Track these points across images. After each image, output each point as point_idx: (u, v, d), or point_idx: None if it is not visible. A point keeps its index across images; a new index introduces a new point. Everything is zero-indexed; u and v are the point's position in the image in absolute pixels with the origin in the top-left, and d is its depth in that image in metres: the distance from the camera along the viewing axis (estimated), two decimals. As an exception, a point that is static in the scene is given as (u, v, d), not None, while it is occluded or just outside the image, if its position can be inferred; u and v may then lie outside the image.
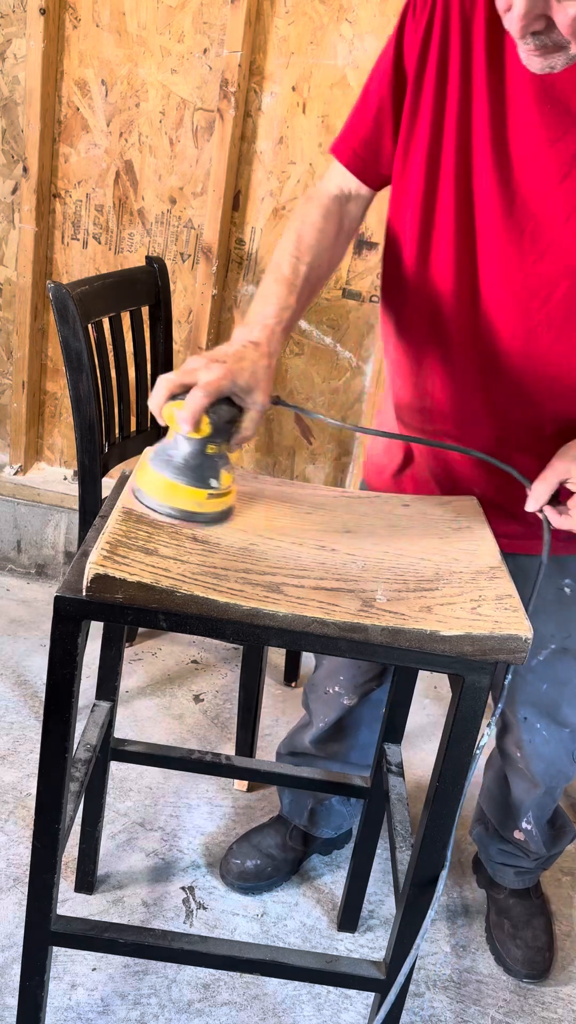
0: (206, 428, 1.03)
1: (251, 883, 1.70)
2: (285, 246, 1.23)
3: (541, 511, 1.15)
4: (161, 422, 1.05)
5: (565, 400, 1.22)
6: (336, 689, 1.59)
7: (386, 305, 1.33)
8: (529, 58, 1.04)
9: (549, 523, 1.14)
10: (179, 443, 1.05)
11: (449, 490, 1.34)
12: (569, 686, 1.46)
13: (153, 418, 2.08)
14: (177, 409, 1.01)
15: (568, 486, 1.13)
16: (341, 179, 1.29)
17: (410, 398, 1.32)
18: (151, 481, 1.06)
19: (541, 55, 1.03)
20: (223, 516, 1.09)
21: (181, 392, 1.02)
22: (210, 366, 1.02)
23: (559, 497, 1.15)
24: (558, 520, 1.13)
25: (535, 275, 1.17)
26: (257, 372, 1.05)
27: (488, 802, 1.67)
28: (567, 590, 1.38)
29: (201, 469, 1.05)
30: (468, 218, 1.18)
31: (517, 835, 1.62)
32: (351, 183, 1.29)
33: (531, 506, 1.14)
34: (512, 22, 1.01)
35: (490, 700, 1.35)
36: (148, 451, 1.09)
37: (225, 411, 1.04)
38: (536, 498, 1.14)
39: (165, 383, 1.03)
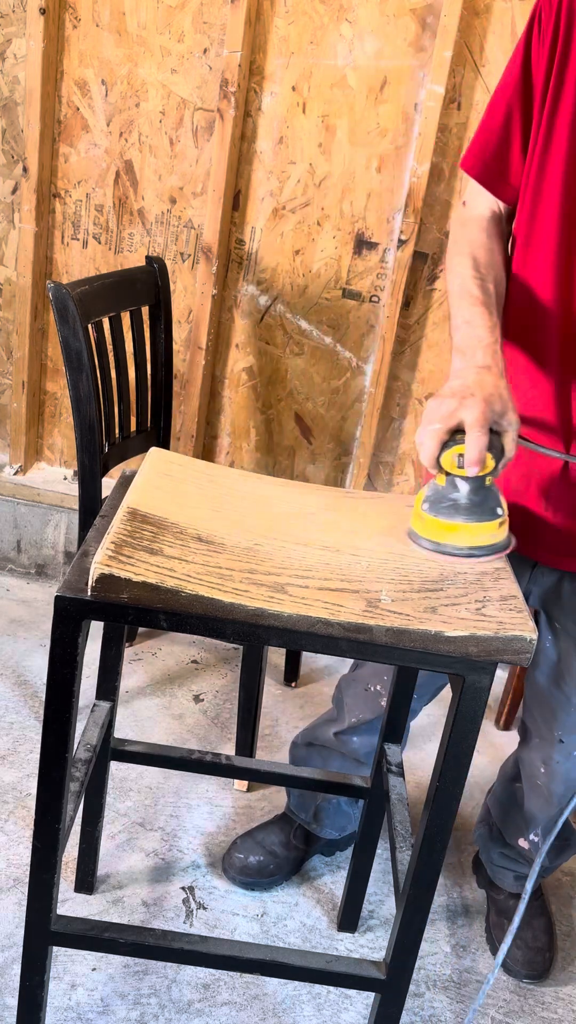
0: (491, 463, 1.06)
1: (252, 879, 1.70)
2: (463, 271, 1.24)
3: None
4: (434, 472, 1.08)
5: None
6: (378, 688, 1.60)
7: (514, 327, 1.32)
8: None
9: None
10: (459, 485, 1.07)
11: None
12: None
13: (153, 418, 2.08)
14: (457, 455, 1.05)
15: None
16: (485, 199, 1.31)
17: (553, 419, 1.31)
18: (440, 529, 1.08)
19: None
20: (511, 539, 1.12)
21: (449, 439, 1.05)
22: (466, 403, 1.04)
23: None
24: None
25: None
26: (503, 394, 1.07)
27: (497, 808, 1.67)
28: None
29: (487, 502, 1.08)
30: None
31: (522, 843, 1.61)
32: (494, 201, 1.30)
33: None
34: None
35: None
36: (418, 502, 1.12)
37: (496, 441, 1.06)
38: None
39: (433, 435, 1.05)
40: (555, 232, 1.21)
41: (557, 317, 1.25)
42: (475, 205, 1.32)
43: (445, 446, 1.05)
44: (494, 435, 1.06)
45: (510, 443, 1.08)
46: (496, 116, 1.26)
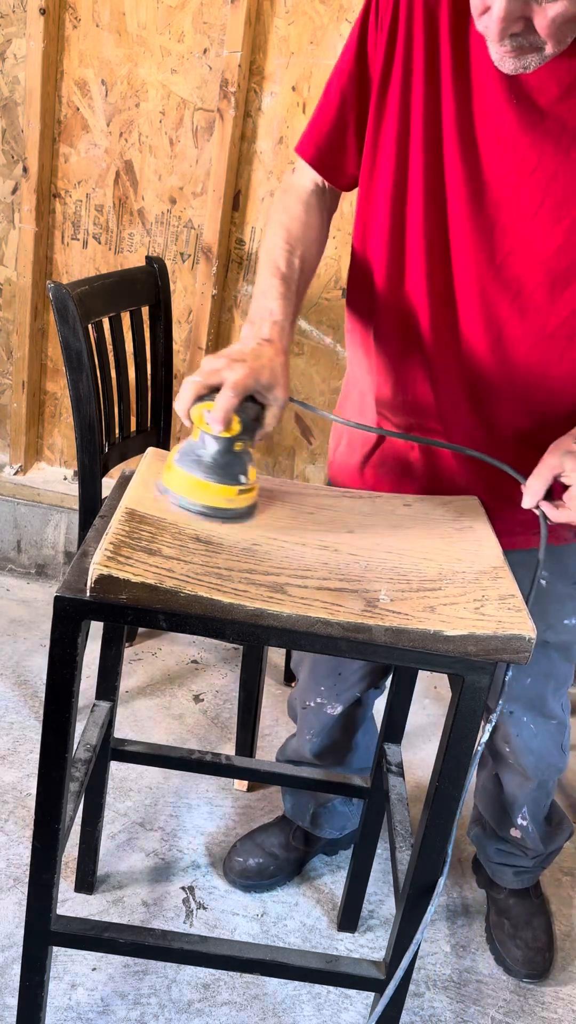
0: (236, 427, 1.06)
1: (253, 881, 1.70)
2: (274, 240, 1.24)
3: (538, 507, 1.15)
4: (187, 423, 1.08)
5: (546, 393, 1.23)
6: (318, 700, 1.59)
7: (356, 305, 1.33)
8: (503, 59, 1.05)
9: (546, 518, 1.14)
10: (207, 442, 1.07)
11: (427, 485, 1.34)
12: (552, 678, 1.47)
13: (153, 418, 2.08)
14: (206, 410, 1.05)
15: (562, 480, 1.13)
16: (313, 173, 1.30)
17: (392, 395, 1.32)
18: (181, 480, 1.09)
19: (516, 56, 1.03)
20: (251, 511, 1.12)
21: (207, 393, 1.05)
22: (233, 366, 1.05)
23: (552, 493, 1.16)
24: (556, 514, 1.13)
25: (506, 269, 1.17)
26: (276, 369, 1.08)
27: (483, 801, 1.67)
28: (543, 583, 1.38)
29: (230, 466, 1.08)
30: (440, 216, 1.18)
31: (514, 832, 1.62)
32: (319, 176, 1.30)
33: (528, 502, 1.15)
34: (490, 24, 1.01)
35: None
36: (172, 452, 1.12)
37: (251, 409, 1.07)
38: (532, 494, 1.14)
39: (191, 385, 1.05)
40: (387, 219, 1.22)
41: (391, 305, 1.26)
42: (302, 175, 1.32)
43: (201, 400, 1.06)
44: (254, 404, 1.07)
45: (271, 416, 1.09)
46: (331, 103, 1.25)
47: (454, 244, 1.18)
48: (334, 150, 1.27)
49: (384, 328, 1.29)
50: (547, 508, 1.14)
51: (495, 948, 1.66)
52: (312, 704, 1.60)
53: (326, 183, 1.31)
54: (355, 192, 1.30)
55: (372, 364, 1.33)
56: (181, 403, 1.06)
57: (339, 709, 1.58)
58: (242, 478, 1.09)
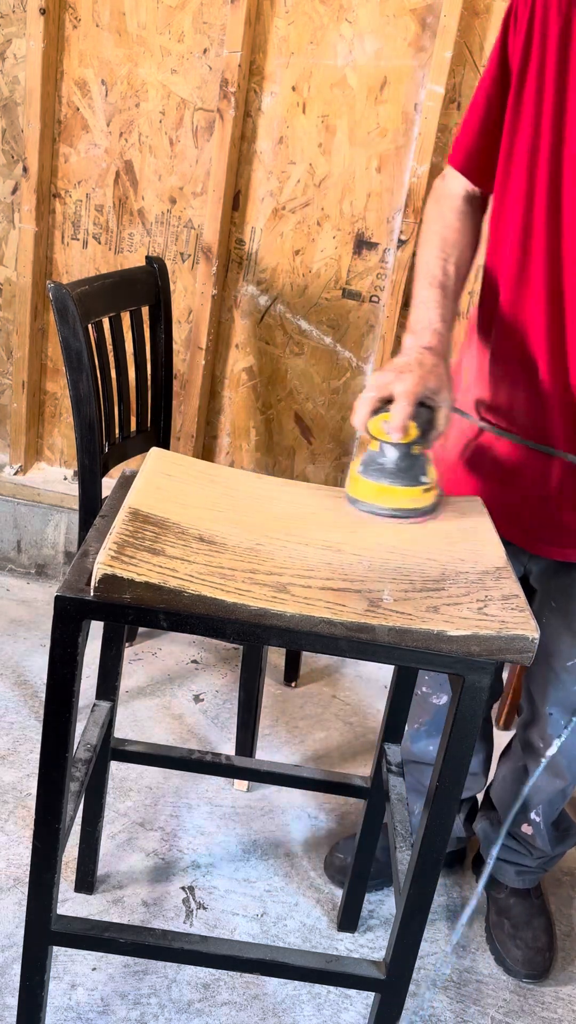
0: (413, 432, 1.13)
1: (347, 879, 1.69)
2: (430, 249, 1.30)
3: None
4: (364, 435, 1.17)
5: None
6: (424, 689, 1.61)
7: (482, 315, 1.37)
8: None
9: None
10: (387, 451, 1.15)
11: (517, 484, 1.37)
12: None
13: (153, 418, 2.08)
14: (384, 422, 1.13)
15: None
16: (464, 179, 1.34)
17: (502, 403, 1.36)
18: (368, 490, 1.17)
19: None
20: (437, 506, 1.19)
21: (381, 407, 1.13)
22: (402, 377, 1.12)
23: None
24: None
25: None
26: (441, 374, 1.15)
27: (499, 792, 1.67)
28: None
29: (412, 469, 1.16)
30: (557, 228, 1.20)
31: (525, 828, 1.62)
32: (471, 184, 1.34)
33: None
34: None
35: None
36: (354, 465, 1.21)
37: (424, 413, 1.14)
38: None
39: (366, 402, 1.13)
40: (516, 232, 1.25)
41: (510, 313, 1.30)
42: (452, 182, 1.36)
43: (376, 413, 1.14)
44: (426, 408, 1.14)
45: (441, 418, 1.15)
46: (477, 109, 1.29)
47: (567, 259, 1.21)
48: (482, 155, 1.30)
49: (502, 339, 1.32)
50: None
51: (495, 948, 1.66)
52: (418, 692, 1.62)
53: (476, 191, 1.34)
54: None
55: (487, 372, 1.36)
56: (358, 418, 1.13)
57: (443, 700, 1.60)
58: (424, 478, 1.16)
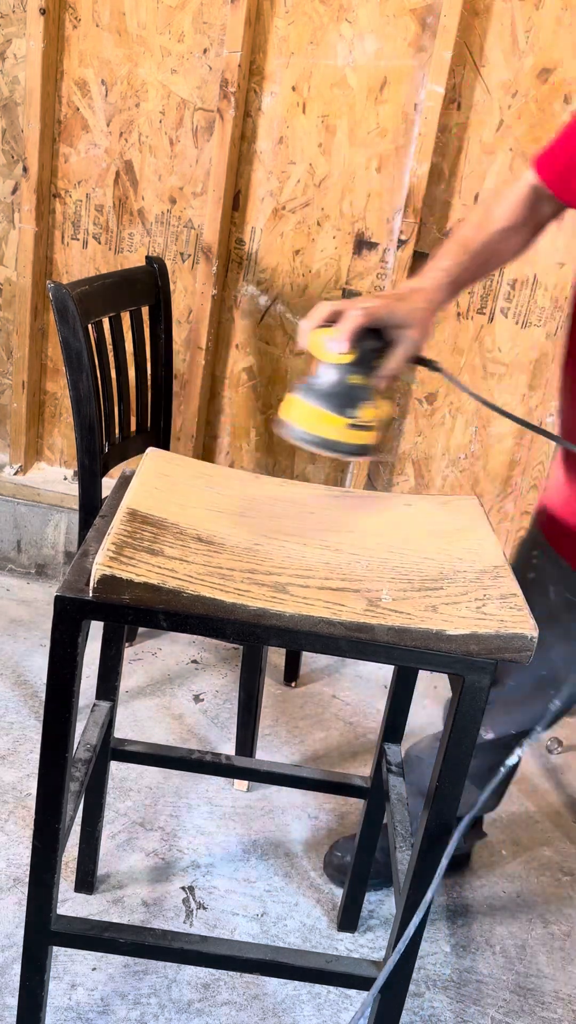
0: (350, 354, 1.02)
1: (345, 878, 1.67)
2: (473, 217, 1.23)
3: None
4: (304, 345, 1.05)
5: None
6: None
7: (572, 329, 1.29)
8: None
9: None
10: (322, 372, 1.05)
11: None
12: None
13: (153, 418, 2.08)
14: (326, 336, 1.02)
15: None
16: (538, 181, 1.25)
17: None
18: (294, 409, 1.07)
19: None
20: (363, 450, 1.08)
21: (336, 320, 1.02)
22: (368, 298, 1.03)
23: None
24: None
25: None
26: (415, 311, 1.04)
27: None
28: None
29: (342, 397, 1.04)
30: None
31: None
32: (540, 181, 1.25)
33: None
34: None
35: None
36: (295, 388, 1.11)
37: (372, 341, 1.03)
38: None
39: (322, 307, 1.02)
40: None
41: None
42: (524, 180, 1.27)
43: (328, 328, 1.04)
44: (381, 341, 1.03)
45: (395, 358, 1.05)
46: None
47: None
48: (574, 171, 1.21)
49: None
50: None
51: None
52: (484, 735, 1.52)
53: (549, 193, 1.25)
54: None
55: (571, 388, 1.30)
56: (306, 323, 1.04)
57: (489, 735, 1.51)
58: (352, 411, 1.04)
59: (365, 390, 1.05)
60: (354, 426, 1.04)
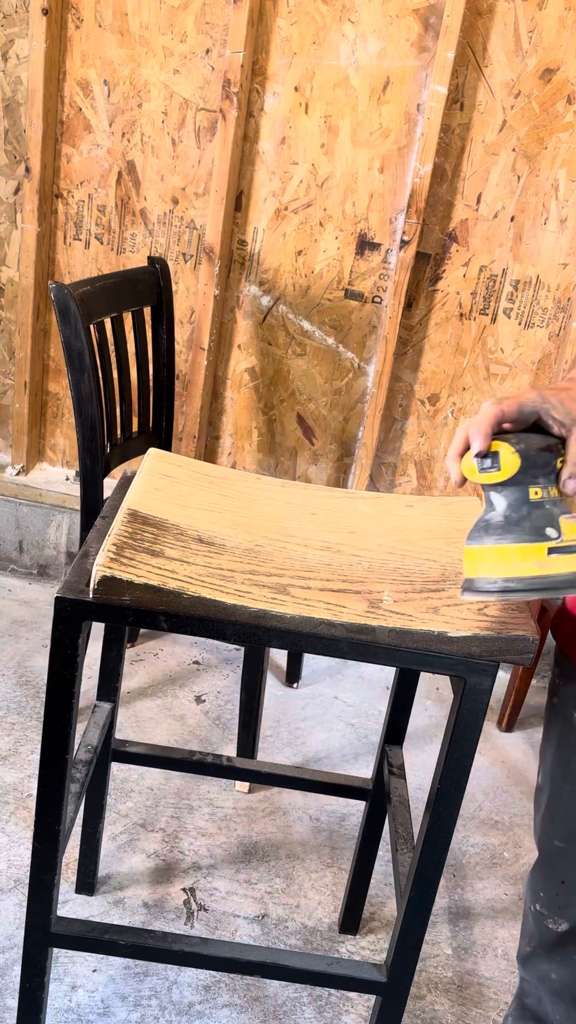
0: (514, 461, 0.82)
1: None
2: None
3: None
4: (457, 481, 0.85)
5: None
6: (537, 907, 1.15)
7: None
8: None
9: None
10: (492, 501, 0.85)
11: None
12: None
13: (155, 419, 2.08)
14: (477, 458, 0.82)
15: None
16: None
17: None
18: (477, 560, 0.85)
19: None
20: None
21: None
22: (494, 402, 0.83)
23: None
24: None
25: None
26: (546, 395, 0.84)
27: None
28: None
29: (529, 520, 0.83)
30: None
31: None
32: None
33: None
34: None
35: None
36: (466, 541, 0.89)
37: (536, 439, 0.83)
38: None
39: (463, 428, 0.83)
40: None
41: None
42: None
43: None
44: (548, 437, 0.83)
45: (573, 447, 0.82)
46: None
47: None
48: None
49: None
50: None
51: None
52: (531, 908, 1.15)
53: None
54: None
55: None
56: (449, 457, 0.85)
57: (563, 926, 1.12)
58: (550, 531, 0.83)
59: (554, 503, 0.84)
60: (558, 549, 0.82)
